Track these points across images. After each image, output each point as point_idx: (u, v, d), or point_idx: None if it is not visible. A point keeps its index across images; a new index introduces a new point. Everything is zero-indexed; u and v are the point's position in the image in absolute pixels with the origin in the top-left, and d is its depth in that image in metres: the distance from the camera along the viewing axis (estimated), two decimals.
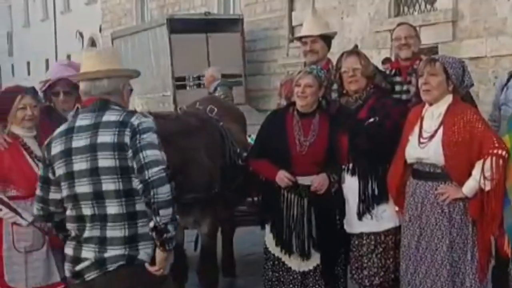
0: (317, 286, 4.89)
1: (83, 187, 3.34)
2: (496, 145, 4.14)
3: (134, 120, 3.34)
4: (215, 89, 11.03)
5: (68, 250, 3.48)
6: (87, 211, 3.35)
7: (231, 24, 18.47)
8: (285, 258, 4.84)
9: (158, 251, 3.30)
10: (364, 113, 4.69)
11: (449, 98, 4.30)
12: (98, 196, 3.32)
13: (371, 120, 4.63)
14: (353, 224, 4.74)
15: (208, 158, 4.94)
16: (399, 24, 5.48)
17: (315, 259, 4.85)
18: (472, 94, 5.13)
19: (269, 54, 18.35)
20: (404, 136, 4.45)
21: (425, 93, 4.33)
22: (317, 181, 4.74)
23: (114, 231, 3.33)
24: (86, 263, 3.37)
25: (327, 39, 5.49)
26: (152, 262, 3.33)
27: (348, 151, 4.69)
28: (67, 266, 3.50)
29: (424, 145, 4.29)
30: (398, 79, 5.21)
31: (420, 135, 4.33)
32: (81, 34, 34.19)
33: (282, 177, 4.73)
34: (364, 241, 4.69)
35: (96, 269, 3.36)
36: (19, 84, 4.83)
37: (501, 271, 4.53)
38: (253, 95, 18.39)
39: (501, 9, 11.53)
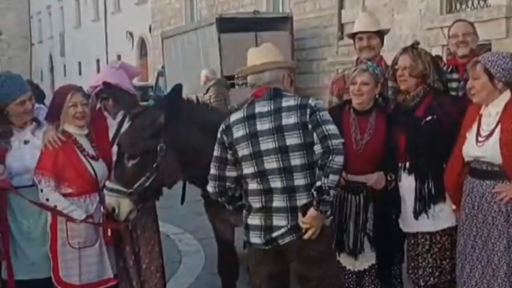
0: (372, 285, 4.83)
1: (272, 163, 3.80)
2: None
3: (311, 102, 3.87)
4: (208, 89, 11.49)
5: (254, 221, 3.93)
6: (276, 184, 3.81)
7: (280, 22, 18.42)
8: (339, 257, 4.78)
9: (311, 209, 3.73)
10: (421, 111, 4.61)
11: (506, 96, 4.18)
12: (286, 171, 3.79)
13: (429, 118, 4.55)
14: (409, 223, 4.67)
15: None
16: (456, 21, 5.38)
17: (371, 258, 4.79)
18: None
19: (318, 52, 18.26)
20: (462, 134, 4.35)
21: (473, 96, 4.28)
22: (374, 179, 4.68)
23: (302, 200, 3.80)
24: (281, 230, 3.83)
25: (381, 35, 5.45)
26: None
27: (406, 149, 4.62)
28: (256, 234, 3.92)
29: (481, 144, 4.18)
30: (455, 76, 5.11)
31: (478, 134, 4.23)
32: (131, 34, 34.54)
33: None
34: (420, 241, 4.62)
35: (291, 234, 3.82)
36: (70, 84, 4.87)
37: None
38: (302, 94, 18.27)
39: None
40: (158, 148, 4.40)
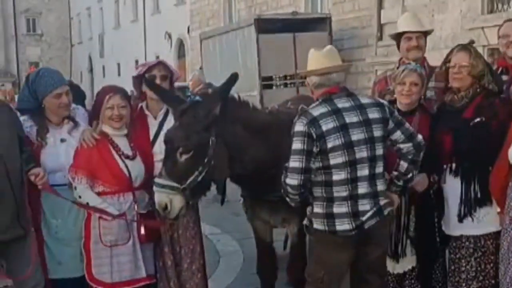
0: None
1: (362, 152, 4.06)
2: None
3: (383, 102, 4.32)
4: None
5: (341, 209, 4.10)
6: (363, 172, 4.09)
7: (319, 23, 18.33)
8: None
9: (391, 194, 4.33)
10: (470, 112, 4.53)
11: None
12: (372, 159, 4.10)
13: (477, 120, 4.48)
14: (453, 226, 4.60)
15: None
16: (506, 21, 5.30)
17: (411, 261, 4.73)
18: None
19: (357, 53, 18.13)
20: (509, 136, 4.27)
21: None
22: (416, 181, 4.60)
23: (381, 186, 4.17)
24: (368, 214, 4.11)
25: (425, 36, 5.44)
26: None
27: (451, 151, 4.55)
28: (344, 221, 4.09)
29: None
30: (504, 77, 5.01)
31: None
32: (169, 35, 34.70)
33: None
34: (463, 244, 4.56)
35: (374, 217, 4.12)
36: (113, 85, 4.88)
37: None
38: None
39: None
40: (210, 141, 4.36)
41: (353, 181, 4.08)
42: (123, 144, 4.64)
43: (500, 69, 5.09)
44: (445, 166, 4.60)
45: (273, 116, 5.06)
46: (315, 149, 4.06)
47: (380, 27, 16.86)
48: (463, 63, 4.54)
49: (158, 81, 4.72)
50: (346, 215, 4.09)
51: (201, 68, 22.02)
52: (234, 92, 4.59)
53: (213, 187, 4.73)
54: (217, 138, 4.37)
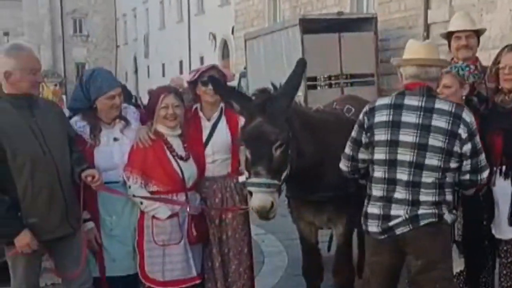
0: None
1: (404, 156, 3.90)
2: None
3: (465, 116, 3.94)
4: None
5: (373, 209, 4.03)
6: (403, 176, 3.92)
7: (364, 23, 18.21)
8: None
9: None
10: None
11: None
12: (417, 167, 3.89)
13: None
14: (503, 229, 4.50)
15: None
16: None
17: (459, 265, 4.63)
18: None
19: (403, 53, 17.92)
20: None
21: None
22: None
23: (427, 196, 3.91)
24: (398, 220, 3.93)
25: (477, 35, 5.40)
26: None
27: (502, 152, 4.46)
28: (373, 222, 4.02)
29: None
30: None
31: None
32: (214, 36, 34.85)
33: None
34: None
35: (406, 225, 3.93)
36: (166, 85, 4.91)
37: None
38: (386, 95, 18.02)
39: None
40: (290, 134, 4.30)
41: (390, 182, 3.98)
42: (177, 145, 4.67)
43: None
44: (495, 168, 4.49)
45: (323, 114, 5.02)
46: (363, 139, 4.04)
47: (427, 27, 16.69)
48: None
49: (210, 85, 4.68)
50: (376, 217, 4.03)
51: (245, 68, 22.10)
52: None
53: None
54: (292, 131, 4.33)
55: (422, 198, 3.93)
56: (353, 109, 5.35)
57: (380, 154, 3.98)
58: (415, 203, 3.93)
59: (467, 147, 3.93)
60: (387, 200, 3.98)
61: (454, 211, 4.08)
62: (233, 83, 25.32)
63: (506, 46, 4.65)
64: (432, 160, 3.90)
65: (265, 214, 4.19)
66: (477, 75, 4.79)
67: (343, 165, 4.21)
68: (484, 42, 12.26)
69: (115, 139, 4.65)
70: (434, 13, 16.28)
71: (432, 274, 3.96)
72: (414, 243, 3.96)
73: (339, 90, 17.11)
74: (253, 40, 21.83)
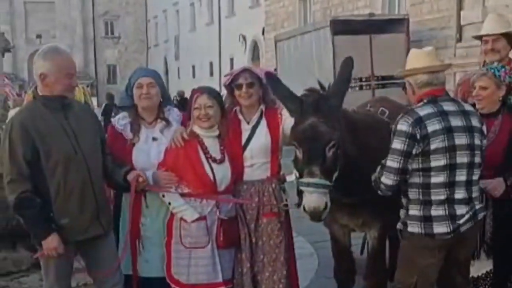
0: None
1: (462, 158, 4.04)
2: None
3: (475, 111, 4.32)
4: None
5: (439, 212, 4.08)
6: (461, 177, 4.07)
7: (396, 24, 18.09)
8: None
9: None
10: None
11: None
12: (471, 166, 4.08)
13: None
14: None
15: (382, 159, 4.79)
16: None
17: (487, 265, 4.57)
18: None
19: None
20: None
21: None
22: (492, 185, 4.49)
23: (476, 192, 4.17)
24: (465, 218, 4.10)
25: (509, 38, 5.29)
26: None
27: None
28: (442, 224, 4.07)
29: None
30: None
31: None
32: (244, 37, 34.90)
33: None
34: None
35: (470, 221, 4.12)
36: (203, 85, 4.89)
37: None
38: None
39: None
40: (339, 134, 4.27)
41: (451, 185, 4.04)
42: (213, 146, 4.61)
43: None
44: None
45: (362, 116, 4.98)
46: (415, 151, 4.01)
47: (460, 28, 16.54)
48: None
49: (244, 89, 4.63)
50: (444, 218, 4.07)
51: (275, 70, 22.08)
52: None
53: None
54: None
55: (474, 195, 4.15)
56: (387, 111, 5.30)
57: (439, 161, 4.01)
58: (472, 200, 4.13)
59: (484, 141, 4.21)
60: (450, 201, 4.07)
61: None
62: None
63: None
64: (477, 158, 4.11)
65: (318, 215, 4.15)
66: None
67: (388, 179, 4.09)
68: None
69: (154, 139, 4.65)
70: (467, 14, 16.13)
71: (469, 260, 4.37)
72: (471, 238, 4.24)
73: (370, 92, 17.03)
74: (283, 41, 21.82)
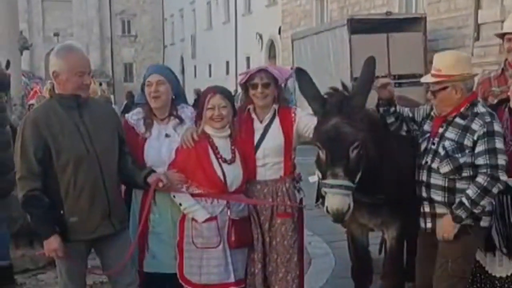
0: None
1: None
2: None
3: None
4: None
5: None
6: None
7: (413, 23, 18.06)
8: (484, 261, 4.59)
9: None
10: None
11: None
12: None
13: None
14: None
15: (401, 159, 4.74)
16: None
17: (509, 268, 4.54)
18: None
19: None
20: None
21: None
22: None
23: None
24: None
25: None
26: None
27: None
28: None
29: None
30: None
31: None
32: (260, 36, 34.90)
33: None
34: None
35: None
36: (216, 85, 4.84)
37: None
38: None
39: None
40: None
41: None
42: (224, 146, 4.57)
43: None
44: None
45: (380, 115, 4.94)
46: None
47: (477, 27, 16.44)
48: None
49: (260, 89, 4.57)
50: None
51: (291, 69, 22.04)
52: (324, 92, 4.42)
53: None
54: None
55: None
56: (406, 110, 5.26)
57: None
58: None
59: None
60: None
61: None
62: None
63: None
64: None
65: (341, 216, 4.12)
66: None
67: (504, 176, 4.13)
68: None
69: (167, 135, 4.63)
70: (485, 13, 16.02)
71: None
72: None
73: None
74: (300, 40, 21.80)
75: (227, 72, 40.21)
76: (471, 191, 4.07)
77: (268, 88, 4.59)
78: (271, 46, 34.13)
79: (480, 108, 4.17)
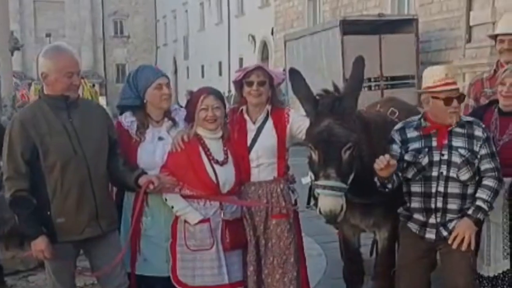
0: None
1: None
2: None
3: None
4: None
5: None
6: None
7: (405, 25, 18.11)
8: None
9: None
10: None
11: None
12: None
13: None
14: None
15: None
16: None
17: (504, 265, 4.55)
18: None
19: (444, 55, 17.79)
20: None
21: None
22: (508, 183, 4.44)
23: None
24: None
25: None
26: None
27: None
28: None
29: None
30: None
31: None
32: (253, 37, 34.90)
33: None
34: None
35: None
36: (207, 86, 4.82)
37: None
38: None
39: None
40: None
41: None
42: (216, 148, 4.55)
43: None
44: None
45: (373, 116, 4.94)
46: None
47: (469, 29, 16.48)
48: None
49: (255, 87, 4.56)
50: None
51: (284, 70, 22.05)
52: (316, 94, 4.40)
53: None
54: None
55: None
56: (397, 112, 5.25)
57: None
58: None
59: None
60: None
61: None
62: None
63: None
64: None
65: (334, 217, 4.09)
66: None
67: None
68: None
69: (160, 138, 4.60)
70: (476, 14, 16.05)
71: None
72: None
73: (379, 92, 17.00)
74: (293, 41, 21.82)
75: (220, 73, 40.19)
76: (486, 195, 4.19)
77: (263, 86, 4.57)
78: (264, 47, 34.15)
79: (465, 117, 4.35)
